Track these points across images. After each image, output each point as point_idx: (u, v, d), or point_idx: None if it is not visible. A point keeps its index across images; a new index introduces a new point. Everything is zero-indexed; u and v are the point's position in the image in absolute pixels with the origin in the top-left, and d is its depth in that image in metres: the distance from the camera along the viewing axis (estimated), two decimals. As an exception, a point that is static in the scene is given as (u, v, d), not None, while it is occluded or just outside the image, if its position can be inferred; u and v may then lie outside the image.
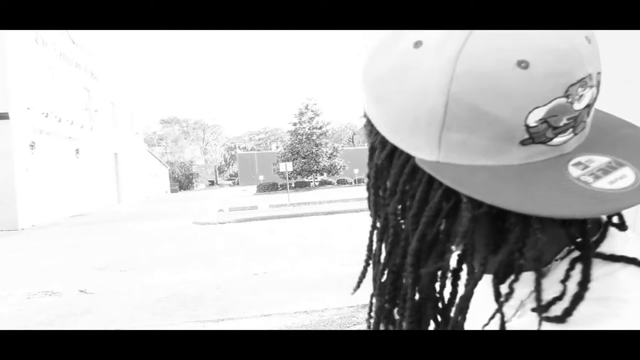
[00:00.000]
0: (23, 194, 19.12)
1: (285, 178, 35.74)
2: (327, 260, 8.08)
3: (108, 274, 8.10)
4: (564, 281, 0.48)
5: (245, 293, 5.74)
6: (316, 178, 43.51)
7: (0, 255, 11.87)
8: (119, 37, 32.81)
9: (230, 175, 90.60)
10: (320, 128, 43.03)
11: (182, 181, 70.08)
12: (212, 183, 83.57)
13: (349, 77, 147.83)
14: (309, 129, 42.97)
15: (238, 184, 70.48)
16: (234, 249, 10.52)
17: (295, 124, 43.44)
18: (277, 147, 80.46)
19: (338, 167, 43.32)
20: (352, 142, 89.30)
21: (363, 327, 4.09)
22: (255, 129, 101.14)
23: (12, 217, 18.61)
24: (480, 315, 0.51)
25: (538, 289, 0.46)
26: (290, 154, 42.23)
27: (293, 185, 39.15)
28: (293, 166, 28.98)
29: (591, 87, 0.45)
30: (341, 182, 42.66)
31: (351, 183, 42.78)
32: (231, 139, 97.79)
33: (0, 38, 18.21)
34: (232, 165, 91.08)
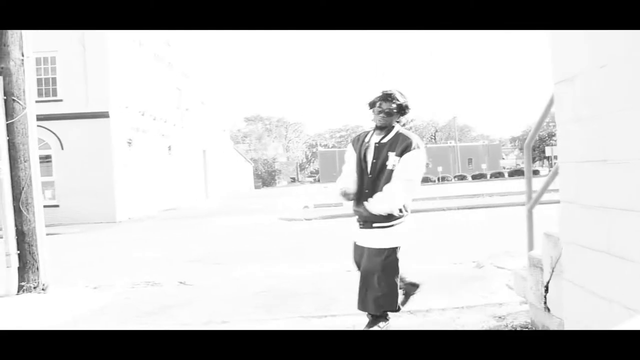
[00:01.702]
0: (121, 188, 20.18)
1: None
2: (421, 259, 7.88)
3: (203, 267, 8.31)
4: None
5: (341, 290, 5.65)
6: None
7: (104, 247, 12.54)
8: (203, 36, 33.86)
9: (311, 172, 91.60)
10: (403, 125, 42.39)
11: (265, 178, 71.64)
12: (293, 180, 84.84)
13: (431, 73, 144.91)
14: (392, 125, 42.44)
15: (319, 181, 71.06)
16: (322, 245, 10.50)
17: (378, 121, 43.04)
18: (358, 145, 79.66)
19: (421, 164, 42.47)
20: (434, 139, 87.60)
21: (467, 328, 3.89)
22: (335, 127, 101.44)
23: (111, 210, 19.70)
24: None
25: None
26: (372, 152, 41.91)
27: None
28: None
29: None
30: (424, 181, 41.91)
31: (434, 181, 41.89)
32: (312, 137, 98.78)
33: (102, 41, 19.28)
34: (313, 162, 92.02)
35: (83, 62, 19.43)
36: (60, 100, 19.57)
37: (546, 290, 3.40)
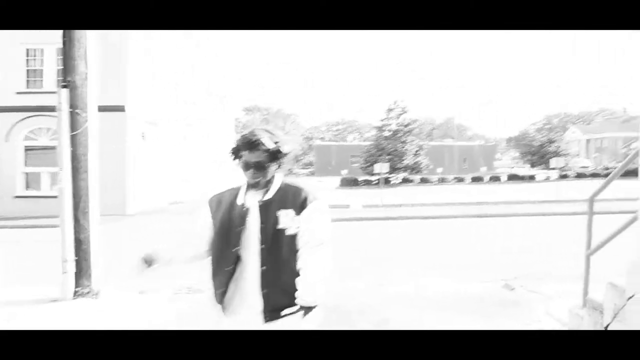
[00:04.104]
0: (132, 181, 20.43)
1: (374, 174, 35.94)
2: (441, 273, 8.22)
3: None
4: None
5: (385, 307, 5.98)
6: (398, 175, 43.37)
7: (126, 242, 12.81)
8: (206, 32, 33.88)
9: (305, 165, 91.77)
10: (406, 125, 42.72)
11: (261, 169, 71.63)
12: (290, 171, 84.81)
13: (428, 71, 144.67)
14: (395, 125, 42.82)
15: (314, 174, 71.26)
16: (343, 253, 10.62)
17: (382, 120, 43.39)
18: (354, 139, 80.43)
19: (422, 165, 42.86)
20: (431, 136, 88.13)
21: None
22: (332, 120, 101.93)
23: (121, 203, 19.93)
24: None
25: None
26: (375, 150, 42.29)
27: (376, 181, 39.24)
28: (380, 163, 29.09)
29: None
30: (424, 181, 42.18)
31: (434, 182, 42.20)
32: (308, 129, 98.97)
33: (123, 39, 19.55)
34: (308, 154, 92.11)
35: (103, 54, 19.58)
36: (76, 92, 19.73)
37: (605, 333, 3.81)
